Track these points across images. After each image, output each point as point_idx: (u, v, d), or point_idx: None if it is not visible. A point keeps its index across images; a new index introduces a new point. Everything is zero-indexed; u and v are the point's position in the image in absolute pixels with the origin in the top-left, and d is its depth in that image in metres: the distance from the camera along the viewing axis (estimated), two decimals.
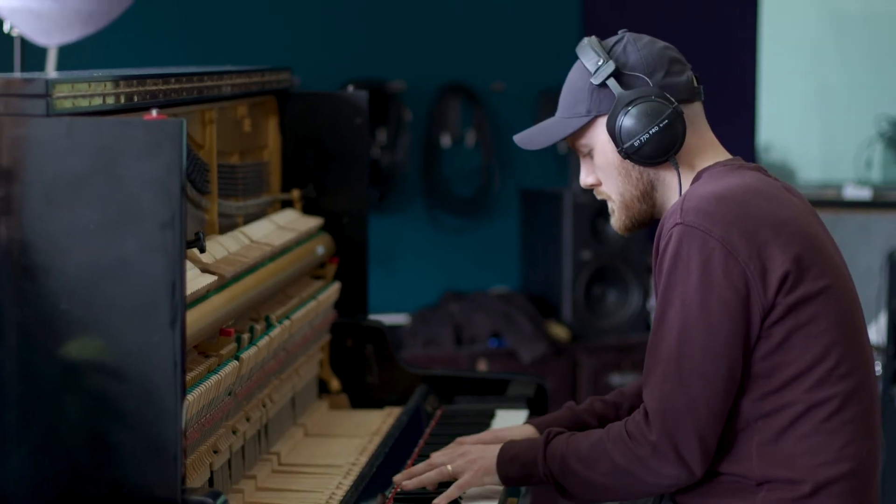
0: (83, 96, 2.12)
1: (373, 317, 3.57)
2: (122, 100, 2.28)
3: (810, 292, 2.41)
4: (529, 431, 2.86)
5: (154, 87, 2.46)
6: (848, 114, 6.82)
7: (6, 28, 3.85)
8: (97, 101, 2.18)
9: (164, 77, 2.53)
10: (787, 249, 2.40)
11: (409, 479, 2.73)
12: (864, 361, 2.49)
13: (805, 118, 6.84)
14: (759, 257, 2.39)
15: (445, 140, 6.09)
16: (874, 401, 2.51)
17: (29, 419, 2.05)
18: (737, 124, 6.40)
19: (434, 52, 6.07)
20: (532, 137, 2.69)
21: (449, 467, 2.69)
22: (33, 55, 4.40)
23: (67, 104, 2.07)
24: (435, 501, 2.69)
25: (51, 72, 4.14)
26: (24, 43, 4.00)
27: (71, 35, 3.92)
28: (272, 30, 5.82)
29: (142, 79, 2.39)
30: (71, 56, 4.65)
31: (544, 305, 5.91)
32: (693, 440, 2.39)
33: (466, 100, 6.11)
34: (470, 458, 2.68)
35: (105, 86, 2.20)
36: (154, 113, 2.02)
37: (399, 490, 2.72)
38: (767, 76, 6.64)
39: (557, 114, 2.66)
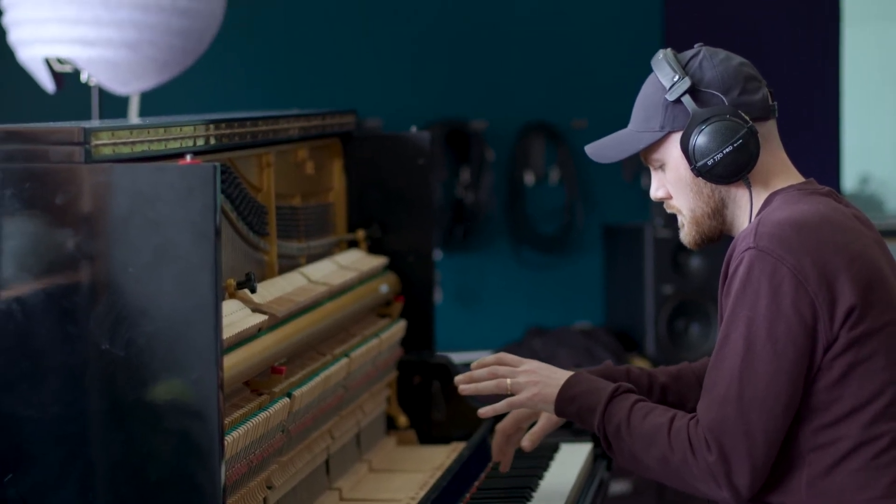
0: (124, 143, 2.19)
1: (456, 354, 3.61)
2: (169, 146, 2.36)
3: (873, 328, 2.41)
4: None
5: (205, 133, 2.53)
6: None
7: (83, 78, 3.96)
8: (141, 148, 2.25)
9: (216, 122, 2.60)
10: (856, 283, 2.40)
11: (468, 382, 2.72)
12: None
13: None
14: (829, 289, 2.39)
15: (529, 178, 6.11)
16: None
17: (72, 456, 2.11)
18: (821, 156, 6.36)
19: (515, 91, 6.11)
20: (604, 150, 2.67)
21: (508, 381, 2.67)
22: (115, 103, 4.52)
23: (107, 151, 2.14)
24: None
25: (132, 118, 4.25)
26: (103, 92, 4.11)
27: (147, 83, 4.03)
28: (354, 72, 5.90)
29: (189, 125, 2.46)
30: (155, 102, 4.77)
31: (627, 340, 5.90)
32: (746, 467, 2.39)
33: (549, 138, 6.13)
34: (532, 379, 2.65)
35: (149, 133, 2.27)
36: (188, 158, 2.09)
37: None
38: (858, 109, 6.59)
39: (630, 126, 2.65)
